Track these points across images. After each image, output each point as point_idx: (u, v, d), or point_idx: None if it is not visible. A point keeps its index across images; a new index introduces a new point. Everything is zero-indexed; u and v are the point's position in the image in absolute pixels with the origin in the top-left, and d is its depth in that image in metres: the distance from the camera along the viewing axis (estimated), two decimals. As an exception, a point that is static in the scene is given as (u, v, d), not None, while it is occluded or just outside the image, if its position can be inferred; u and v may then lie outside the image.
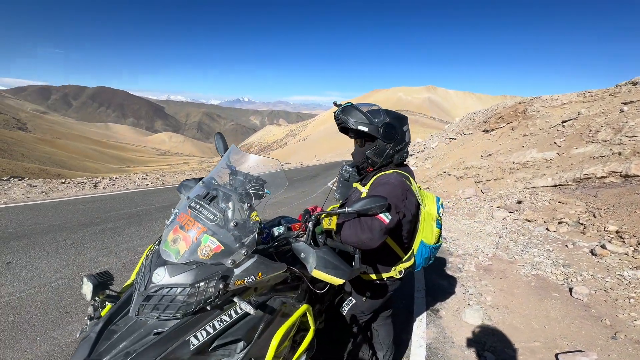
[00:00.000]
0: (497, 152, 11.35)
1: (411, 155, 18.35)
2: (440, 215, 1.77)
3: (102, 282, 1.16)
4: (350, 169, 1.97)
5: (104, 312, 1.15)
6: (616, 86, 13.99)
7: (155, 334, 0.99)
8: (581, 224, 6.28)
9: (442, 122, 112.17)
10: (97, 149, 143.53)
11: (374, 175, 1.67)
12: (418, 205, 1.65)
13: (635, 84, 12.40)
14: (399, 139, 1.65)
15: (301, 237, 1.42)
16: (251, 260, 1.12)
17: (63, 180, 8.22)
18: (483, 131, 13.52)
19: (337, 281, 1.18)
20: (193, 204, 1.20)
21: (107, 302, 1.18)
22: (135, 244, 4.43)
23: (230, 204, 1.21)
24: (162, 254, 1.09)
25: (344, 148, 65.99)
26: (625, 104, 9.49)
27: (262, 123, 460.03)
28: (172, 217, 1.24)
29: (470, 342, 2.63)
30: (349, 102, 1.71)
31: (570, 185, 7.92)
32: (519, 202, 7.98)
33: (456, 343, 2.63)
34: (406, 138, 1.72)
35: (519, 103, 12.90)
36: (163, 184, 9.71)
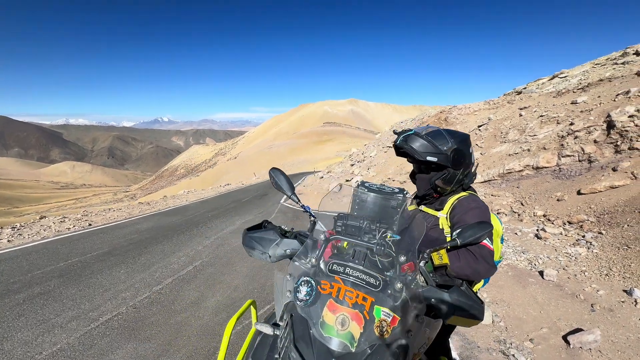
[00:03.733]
0: (431, 156, 12.64)
1: (352, 164, 19.21)
2: (503, 230, 1.80)
3: None
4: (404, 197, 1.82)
5: None
6: (504, 95, 17.08)
7: None
8: (515, 212, 7.31)
9: (367, 132, 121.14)
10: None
11: (449, 198, 1.59)
12: None
13: (519, 92, 15.33)
14: (468, 162, 1.56)
15: (412, 279, 1.23)
16: (422, 325, 0.91)
17: (-58, 239, 6.15)
18: (415, 138, 14.95)
19: (476, 322, 1.05)
20: (340, 268, 0.93)
21: None
22: (84, 309, 3.51)
23: (380, 259, 0.97)
24: (326, 342, 0.80)
25: (278, 163, 65.73)
26: (521, 109, 11.62)
27: (186, 143, 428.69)
28: (304, 289, 0.91)
29: (493, 343, 2.73)
30: (410, 130, 1.59)
31: (497, 179, 9.21)
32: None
33: (482, 347, 2.70)
34: (473, 160, 1.65)
35: (441, 112, 14.68)
36: (90, 225, 8.10)
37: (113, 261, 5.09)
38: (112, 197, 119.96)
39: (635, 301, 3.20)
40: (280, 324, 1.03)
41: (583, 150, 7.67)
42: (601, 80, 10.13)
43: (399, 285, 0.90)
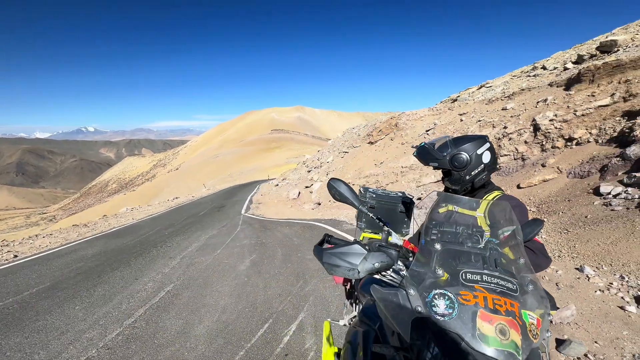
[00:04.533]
0: (386, 159, 13.34)
1: (309, 170, 19.32)
2: None
3: None
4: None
5: None
6: (441, 102, 18.90)
7: None
8: (469, 207, 8.07)
9: (315, 138, 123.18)
10: None
11: (483, 198, 1.69)
12: None
13: (455, 100, 17.11)
14: (473, 163, 1.70)
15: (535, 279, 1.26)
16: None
17: None
18: (369, 143, 15.67)
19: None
20: (476, 276, 0.88)
21: None
22: (40, 357, 2.89)
23: (502, 260, 0.97)
24: (490, 354, 0.74)
25: (226, 172, 62.97)
26: (461, 115, 12.99)
27: (118, 155, 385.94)
28: (443, 302, 0.84)
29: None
30: (423, 143, 1.76)
31: (448, 179, 10.09)
32: (419, 198, 9.57)
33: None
34: (484, 159, 1.80)
35: (391, 118, 15.64)
36: (15, 256, 6.75)
37: (61, 297, 4.31)
38: (25, 221, 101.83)
39: (588, 277, 3.77)
40: (394, 344, 0.97)
41: (517, 150, 8.85)
42: (522, 90, 11.86)
43: (531, 286, 0.91)
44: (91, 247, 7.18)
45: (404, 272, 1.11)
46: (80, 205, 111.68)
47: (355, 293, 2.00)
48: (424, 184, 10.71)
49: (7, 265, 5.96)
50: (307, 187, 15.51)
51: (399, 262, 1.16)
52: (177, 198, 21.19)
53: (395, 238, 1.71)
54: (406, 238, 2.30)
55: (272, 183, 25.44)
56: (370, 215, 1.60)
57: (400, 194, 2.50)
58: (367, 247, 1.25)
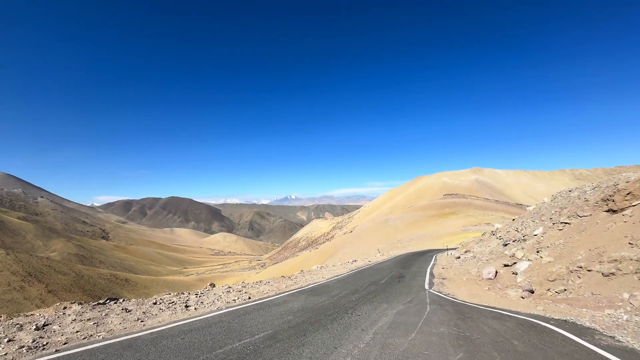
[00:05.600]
0: (651, 237, 8.73)
1: (505, 244, 15.64)
2: None
3: None
4: None
5: None
6: None
7: None
8: None
9: (500, 204, 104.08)
10: (161, 252, 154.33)
11: None
12: None
13: None
14: None
15: None
16: None
17: (155, 301, 7.55)
18: (607, 212, 11.06)
19: None
20: None
21: None
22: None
23: None
24: None
25: (395, 237, 61.99)
26: None
27: (308, 218, 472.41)
28: None
29: None
30: None
31: None
32: None
33: None
34: None
35: (648, 175, 10.67)
36: (249, 298, 8.60)
37: (279, 349, 4.78)
38: (248, 264, 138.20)
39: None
40: None
41: None
42: None
43: None
44: (296, 301, 8.15)
45: None
46: (281, 256, 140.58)
47: None
48: None
49: (244, 305, 7.61)
50: (506, 265, 12.34)
51: None
52: (355, 261, 22.28)
53: None
54: None
55: (452, 254, 22.45)
56: None
57: None
58: None
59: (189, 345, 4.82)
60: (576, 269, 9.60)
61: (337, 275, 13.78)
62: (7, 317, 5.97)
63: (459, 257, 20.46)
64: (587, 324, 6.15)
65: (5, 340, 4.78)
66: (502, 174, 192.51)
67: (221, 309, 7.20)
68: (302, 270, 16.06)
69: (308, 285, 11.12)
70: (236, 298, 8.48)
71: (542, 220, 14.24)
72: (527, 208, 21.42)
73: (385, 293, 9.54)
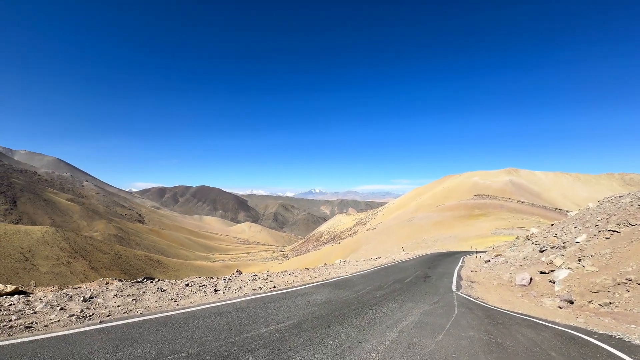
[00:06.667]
0: None
1: (542, 250, 14.70)
2: None
3: None
4: None
5: None
6: None
7: None
8: None
9: (536, 207, 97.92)
10: (191, 238, 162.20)
11: None
12: None
13: None
14: None
15: None
16: None
17: (187, 283, 7.95)
18: (665, 221, 9.99)
19: None
20: None
21: None
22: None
23: None
24: None
25: (419, 237, 60.31)
26: None
27: (332, 212, 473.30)
28: None
29: None
30: None
31: None
32: None
33: None
34: None
35: None
36: (274, 287, 8.80)
37: (304, 338, 4.84)
38: (271, 255, 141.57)
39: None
40: None
41: None
42: None
43: None
44: (320, 293, 8.21)
45: None
46: (303, 249, 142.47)
47: None
48: None
49: (270, 294, 7.78)
50: (542, 272, 11.59)
51: None
52: (378, 258, 22.03)
53: None
54: None
55: (481, 258, 21.54)
56: None
57: None
58: None
59: (218, 327, 5.02)
60: (624, 281, 8.81)
61: (360, 271, 13.71)
62: (58, 288, 6.56)
63: (489, 261, 19.60)
64: (637, 342, 5.63)
65: (58, 308, 5.25)
66: (540, 176, 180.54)
67: (248, 295, 7.43)
68: (325, 264, 16.14)
69: (332, 278, 11.16)
70: (262, 286, 8.70)
71: (586, 227, 13.18)
72: (568, 213, 19.93)
73: (410, 292, 9.35)
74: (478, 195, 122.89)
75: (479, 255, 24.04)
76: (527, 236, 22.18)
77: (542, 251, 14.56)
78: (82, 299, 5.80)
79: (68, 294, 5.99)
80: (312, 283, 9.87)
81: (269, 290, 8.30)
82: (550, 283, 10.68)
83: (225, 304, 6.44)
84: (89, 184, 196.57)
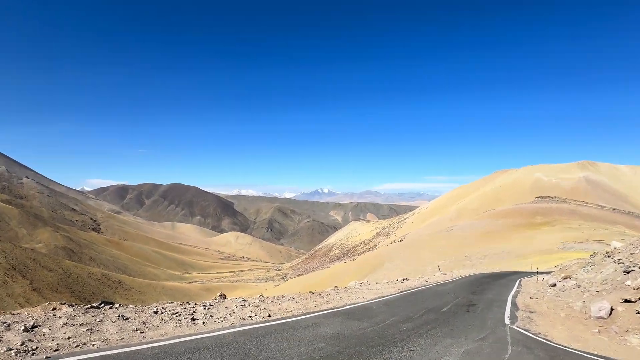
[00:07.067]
0: None
1: (627, 271, 14.53)
2: None
3: None
4: None
5: None
6: None
7: None
8: None
9: (621, 213, 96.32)
10: (160, 251, 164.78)
11: None
12: None
13: None
14: None
15: None
16: None
17: (156, 310, 8.12)
18: None
19: None
20: None
21: None
22: None
23: None
24: None
25: (462, 252, 60.03)
26: None
27: (344, 219, 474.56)
28: None
29: None
30: None
31: None
32: None
33: None
34: None
35: None
36: (269, 316, 8.92)
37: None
38: (265, 275, 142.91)
39: None
40: None
41: None
42: None
43: None
44: (329, 325, 8.29)
45: None
46: (307, 267, 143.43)
47: None
48: None
49: (264, 325, 7.91)
50: (627, 301, 11.47)
51: None
52: (406, 280, 22.09)
53: None
54: None
55: (545, 281, 21.42)
56: None
57: None
58: None
59: (197, 366, 5.13)
60: None
61: (382, 297, 13.78)
62: (-7, 314, 6.77)
63: (555, 285, 19.51)
64: None
65: (-7, 340, 5.42)
66: (625, 171, 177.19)
67: (235, 326, 7.55)
68: (336, 287, 16.26)
69: (344, 305, 11.24)
70: (253, 314, 8.83)
71: (688, 241, 12.96)
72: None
73: (448, 325, 9.37)
74: (541, 197, 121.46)
75: (541, 277, 23.90)
76: (608, 252, 21.91)
77: (628, 272, 14.38)
78: (22, 328, 5.97)
79: (5, 322, 6.18)
80: (318, 312, 9.98)
81: (263, 320, 8.42)
82: (638, 315, 10.58)
83: (206, 337, 6.56)
84: (30, 181, 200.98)
